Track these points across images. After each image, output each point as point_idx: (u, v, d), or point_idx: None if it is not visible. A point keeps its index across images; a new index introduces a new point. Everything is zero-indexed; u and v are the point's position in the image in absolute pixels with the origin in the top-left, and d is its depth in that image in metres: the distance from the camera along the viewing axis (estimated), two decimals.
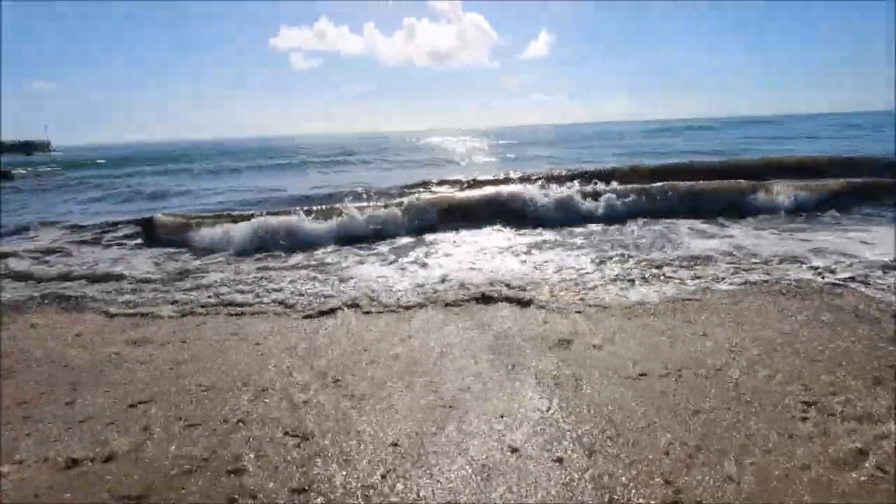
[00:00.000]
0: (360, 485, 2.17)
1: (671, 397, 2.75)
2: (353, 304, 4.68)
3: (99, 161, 43.53)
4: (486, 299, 4.59)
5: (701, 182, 9.89)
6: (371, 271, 5.96)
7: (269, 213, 8.53)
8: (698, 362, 3.15)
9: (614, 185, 10.21)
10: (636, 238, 7.12)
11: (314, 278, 5.79)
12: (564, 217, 8.57)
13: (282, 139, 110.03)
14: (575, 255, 6.23)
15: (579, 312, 4.14)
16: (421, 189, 12.71)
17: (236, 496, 2.12)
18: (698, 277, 5.01)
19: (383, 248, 7.28)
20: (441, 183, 13.40)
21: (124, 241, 8.56)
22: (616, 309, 4.21)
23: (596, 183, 10.80)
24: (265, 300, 5.05)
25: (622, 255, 6.12)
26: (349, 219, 8.04)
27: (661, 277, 5.08)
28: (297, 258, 6.86)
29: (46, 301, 5.41)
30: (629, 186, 9.89)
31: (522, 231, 7.90)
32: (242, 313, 4.69)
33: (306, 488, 2.17)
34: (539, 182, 11.82)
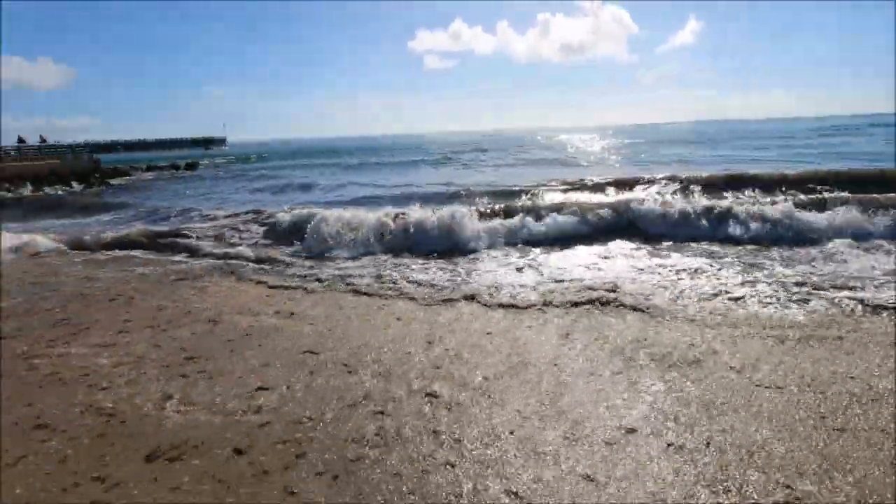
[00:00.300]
0: (490, 435, 2.52)
1: (813, 422, 2.64)
2: (473, 298, 5.01)
3: (263, 155, 50.22)
4: (604, 303, 4.62)
5: (874, 195, 8.50)
6: (491, 268, 6.27)
7: (399, 213, 8.97)
8: (847, 390, 2.94)
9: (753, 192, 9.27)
10: (782, 251, 6.50)
11: (441, 269, 6.29)
12: (698, 228, 7.78)
13: (416, 137, 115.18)
14: (707, 266, 5.90)
15: (710, 327, 4.01)
16: (543, 188, 12.68)
17: (380, 431, 2.61)
18: (855, 299, 4.49)
19: (504, 248, 7.50)
20: (565, 185, 13.20)
21: (277, 226, 9.94)
22: (752, 325, 4.00)
23: (750, 191, 9.85)
24: (398, 285, 5.64)
25: (764, 268, 5.66)
26: (471, 222, 8.10)
27: (811, 296, 4.64)
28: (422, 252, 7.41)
29: (220, 270, 6.64)
30: (777, 200, 8.84)
31: (650, 240, 7.50)
32: (378, 295, 5.31)
33: (441, 431, 2.59)
34: (670, 187, 11.16)
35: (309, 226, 8.96)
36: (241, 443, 2.53)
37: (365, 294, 5.37)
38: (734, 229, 7.54)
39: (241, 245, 8.57)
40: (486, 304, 4.81)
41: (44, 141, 27.77)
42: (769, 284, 5.01)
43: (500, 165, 23.64)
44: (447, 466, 2.31)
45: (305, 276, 6.26)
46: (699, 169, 15.22)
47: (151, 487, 2.22)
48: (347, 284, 5.77)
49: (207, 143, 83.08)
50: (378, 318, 4.48)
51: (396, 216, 8.63)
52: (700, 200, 8.76)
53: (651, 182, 12.03)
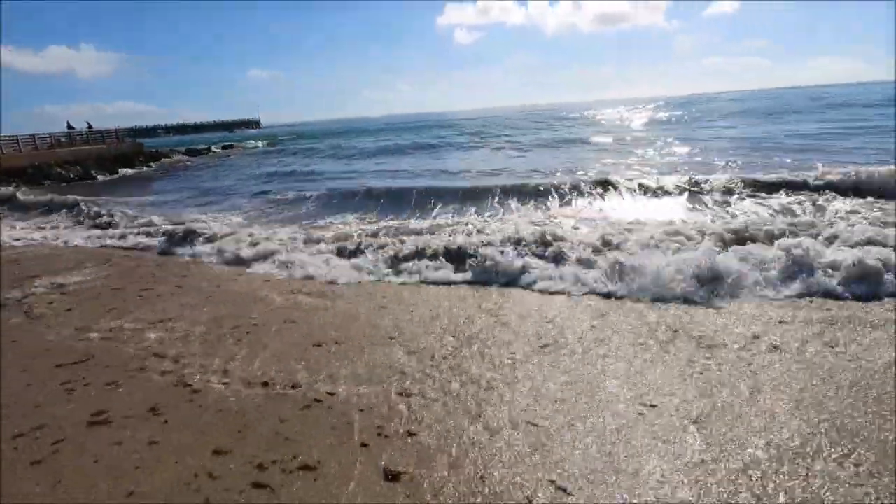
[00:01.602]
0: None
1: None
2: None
3: (293, 136, 50.85)
4: None
5: None
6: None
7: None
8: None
9: None
10: None
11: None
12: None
13: (449, 115, 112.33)
14: None
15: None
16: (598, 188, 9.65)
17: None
18: None
19: None
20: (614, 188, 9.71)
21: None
22: None
23: None
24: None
25: None
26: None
27: None
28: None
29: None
30: None
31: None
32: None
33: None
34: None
35: None
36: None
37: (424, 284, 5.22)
38: None
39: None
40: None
41: (90, 127, 28.65)
42: None
43: (539, 149, 21.22)
44: None
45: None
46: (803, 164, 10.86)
47: None
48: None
49: (243, 125, 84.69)
50: (450, 302, 4.33)
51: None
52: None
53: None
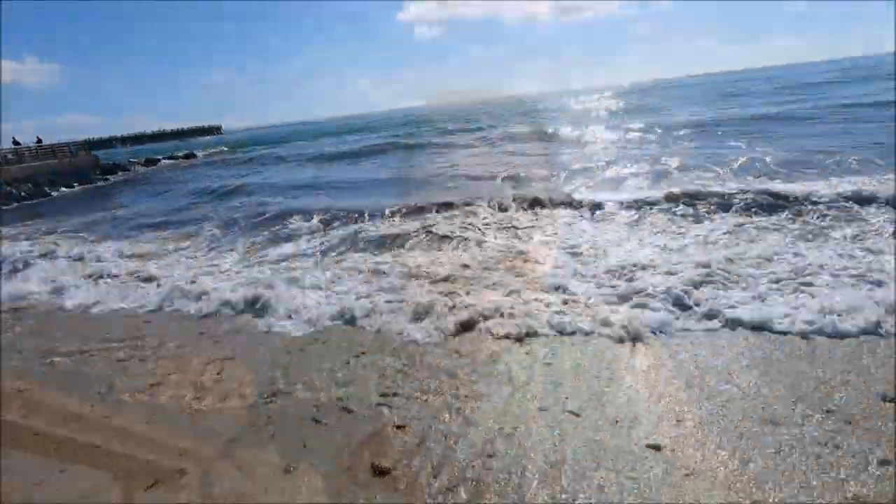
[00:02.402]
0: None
1: None
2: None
3: (258, 142, 49.90)
4: None
5: None
6: None
7: None
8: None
9: None
10: None
11: None
12: None
13: (415, 111, 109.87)
14: None
15: None
16: None
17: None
18: None
19: None
20: None
21: None
22: None
23: None
24: None
25: None
26: None
27: None
28: None
29: None
30: None
31: None
32: None
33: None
34: None
35: None
36: None
37: None
38: None
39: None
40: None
41: (40, 142, 27.52)
42: None
43: (518, 147, 19.00)
44: None
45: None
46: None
47: None
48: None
49: (203, 132, 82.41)
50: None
51: None
52: None
53: None
